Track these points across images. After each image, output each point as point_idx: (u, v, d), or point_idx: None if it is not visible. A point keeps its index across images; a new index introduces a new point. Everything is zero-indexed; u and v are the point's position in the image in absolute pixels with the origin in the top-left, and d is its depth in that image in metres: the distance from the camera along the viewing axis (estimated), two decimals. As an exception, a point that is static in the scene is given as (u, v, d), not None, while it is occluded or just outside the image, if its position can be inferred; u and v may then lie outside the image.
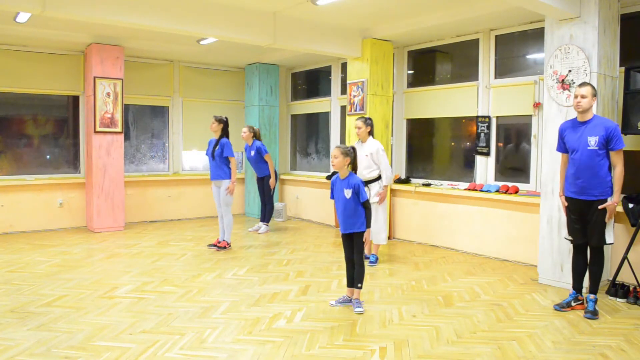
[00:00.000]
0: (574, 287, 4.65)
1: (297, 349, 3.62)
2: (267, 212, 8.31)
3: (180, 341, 3.72)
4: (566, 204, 4.60)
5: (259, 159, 8.05)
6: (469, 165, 7.21)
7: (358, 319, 4.26)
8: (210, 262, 6.15)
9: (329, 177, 8.95)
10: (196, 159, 9.99)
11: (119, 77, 8.10)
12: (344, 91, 8.87)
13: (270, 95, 9.84)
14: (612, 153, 4.34)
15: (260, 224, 8.36)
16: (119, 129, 8.13)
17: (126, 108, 8.75)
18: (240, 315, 4.31)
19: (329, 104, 9.42)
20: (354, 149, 4.48)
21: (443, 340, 3.84)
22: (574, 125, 4.52)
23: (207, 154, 6.90)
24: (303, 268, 5.97)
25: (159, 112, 9.53)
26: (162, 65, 9.39)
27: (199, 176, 9.70)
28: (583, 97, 4.35)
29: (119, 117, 8.12)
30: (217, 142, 6.73)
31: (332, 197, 4.59)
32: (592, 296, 4.44)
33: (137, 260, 6.20)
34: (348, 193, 4.36)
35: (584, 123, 4.43)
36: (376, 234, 6.15)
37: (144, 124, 9.44)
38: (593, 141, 4.33)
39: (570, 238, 4.66)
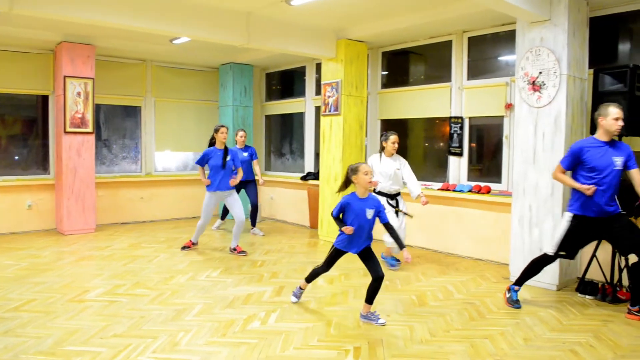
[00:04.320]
0: (520, 283, 4.74)
1: (271, 351, 3.60)
2: (255, 215, 8.23)
3: (153, 344, 3.66)
4: (592, 187, 4.29)
5: (250, 163, 7.98)
6: (443, 165, 7.27)
7: (333, 319, 4.26)
8: (183, 264, 6.08)
9: (303, 178, 8.94)
10: (169, 160, 9.87)
11: (90, 76, 7.96)
12: (318, 92, 8.87)
13: (244, 95, 9.77)
14: (634, 171, 4.31)
15: (256, 229, 8.28)
16: (89, 129, 7.99)
17: (97, 108, 8.61)
18: (213, 317, 4.27)
19: (304, 105, 9.40)
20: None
21: (417, 339, 3.86)
22: (595, 144, 4.36)
23: (215, 164, 6.49)
24: (277, 269, 5.94)
25: (131, 112, 9.40)
26: (134, 64, 9.26)
27: (172, 177, 9.60)
28: (622, 119, 4.27)
29: (89, 117, 7.97)
30: (226, 151, 6.60)
31: (337, 214, 4.20)
32: None
33: (108, 263, 6.10)
34: (370, 214, 4.15)
35: (607, 143, 4.34)
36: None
37: (115, 124, 9.29)
38: (619, 161, 4.32)
39: (564, 253, 4.54)
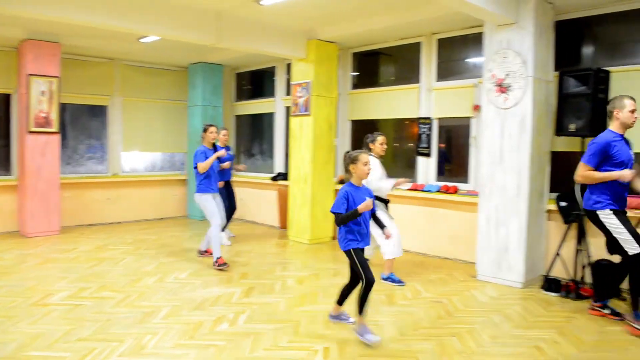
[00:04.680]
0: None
1: (240, 352, 3.58)
2: (230, 217, 8.01)
3: (119, 348, 3.60)
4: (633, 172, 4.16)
5: (232, 162, 7.60)
6: (412, 165, 7.33)
7: (302, 319, 4.25)
8: (151, 266, 5.99)
9: (273, 179, 8.92)
10: (137, 160, 9.72)
11: (55, 74, 7.77)
12: (288, 92, 8.85)
13: (214, 95, 9.69)
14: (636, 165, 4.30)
15: (227, 230, 7.92)
16: (54, 128, 7.80)
17: (63, 107, 8.39)
18: (181, 319, 4.21)
19: (274, 105, 9.37)
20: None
21: (386, 338, 3.88)
22: (617, 138, 4.24)
23: (215, 164, 6.20)
24: (247, 270, 5.91)
25: (98, 112, 9.21)
26: (101, 63, 9.09)
27: (140, 178, 9.47)
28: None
29: (54, 116, 7.79)
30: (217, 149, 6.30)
31: (344, 209, 3.80)
32: None
33: (73, 266, 5.96)
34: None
35: (622, 136, 4.28)
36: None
37: (81, 123, 9.09)
38: (632, 153, 4.32)
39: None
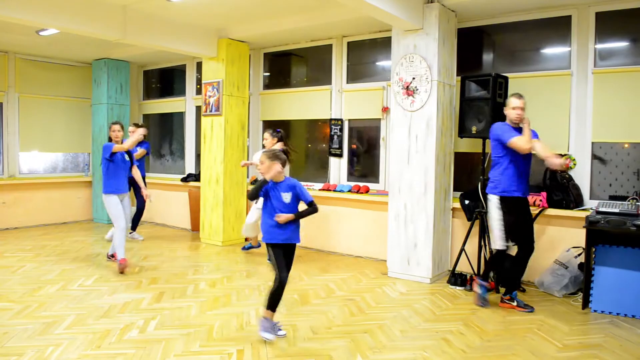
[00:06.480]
0: (485, 278, 4.83)
1: (150, 360, 3.47)
2: (138, 218, 7.81)
3: (17, 362, 3.37)
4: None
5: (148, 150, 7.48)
6: (324, 166, 7.43)
7: (215, 323, 4.18)
8: (52, 274, 5.65)
9: (184, 180, 8.70)
10: (36, 161, 9.15)
11: (-60, 68, 7.16)
12: (199, 91, 8.68)
13: (120, 93, 9.31)
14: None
15: (136, 233, 7.82)
16: (-60, 127, 7.18)
17: (-51, 104, 7.75)
18: (87, 328, 4.01)
19: (184, 104, 9.16)
20: (284, 151, 3.99)
21: (300, 337, 3.91)
22: (512, 129, 4.50)
23: (122, 161, 5.90)
24: (157, 274, 5.73)
25: (-9, 109, 8.60)
26: (-7, 56, 8.48)
27: (40, 180, 8.91)
28: (523, 109, 4.50)
29: (-61, 113, 7.17)
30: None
31: (255, 198, 3.97)
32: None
33: (-36, 275, 5.52)
34: (287, 197, 3.88)
35: (517, 129, 4.51)
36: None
37: (-29, 121, 8.44)
38: None
39: (510, 244, 4.63)
